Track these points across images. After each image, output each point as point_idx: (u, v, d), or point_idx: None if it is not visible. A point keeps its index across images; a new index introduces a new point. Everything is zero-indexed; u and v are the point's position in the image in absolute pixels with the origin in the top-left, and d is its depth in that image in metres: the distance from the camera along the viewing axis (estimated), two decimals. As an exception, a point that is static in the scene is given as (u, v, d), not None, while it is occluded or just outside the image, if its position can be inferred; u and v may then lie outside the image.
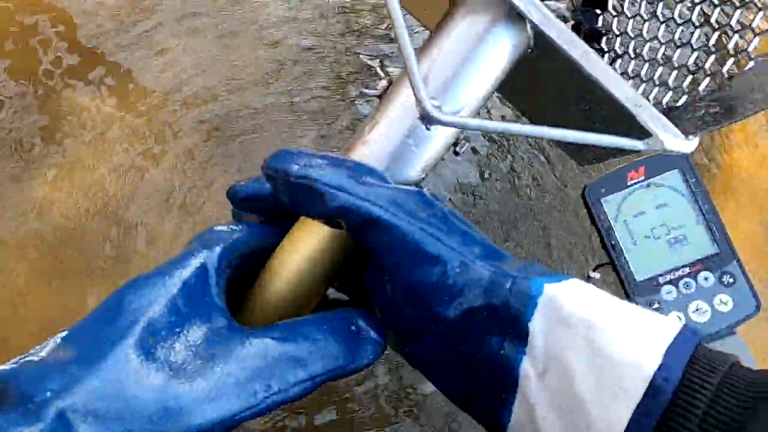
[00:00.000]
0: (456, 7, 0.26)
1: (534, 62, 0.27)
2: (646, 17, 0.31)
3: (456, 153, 0.28)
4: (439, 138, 0.26)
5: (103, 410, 0.17)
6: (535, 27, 0.24)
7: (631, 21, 0.31)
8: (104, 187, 0.50)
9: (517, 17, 0.25)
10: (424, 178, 0.27)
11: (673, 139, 0.26)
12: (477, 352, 0.22)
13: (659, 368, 0.18)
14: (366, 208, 0.22)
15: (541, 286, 0.21)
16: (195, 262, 0.22)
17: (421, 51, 0.26)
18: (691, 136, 0.26)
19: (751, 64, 0.27)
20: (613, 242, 0.43)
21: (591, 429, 0.19)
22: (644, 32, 0.31)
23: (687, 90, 0.30)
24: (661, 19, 0.31)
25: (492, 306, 0.22)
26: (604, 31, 0.34)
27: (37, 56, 0.53)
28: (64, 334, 0.20)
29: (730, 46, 0.28)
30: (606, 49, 0.34)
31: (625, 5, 0.31)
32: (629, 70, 0.35)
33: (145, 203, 0.50)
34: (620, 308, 0.21)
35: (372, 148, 0.26)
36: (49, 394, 0.17)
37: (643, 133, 0.26)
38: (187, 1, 0.55)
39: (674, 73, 0.31)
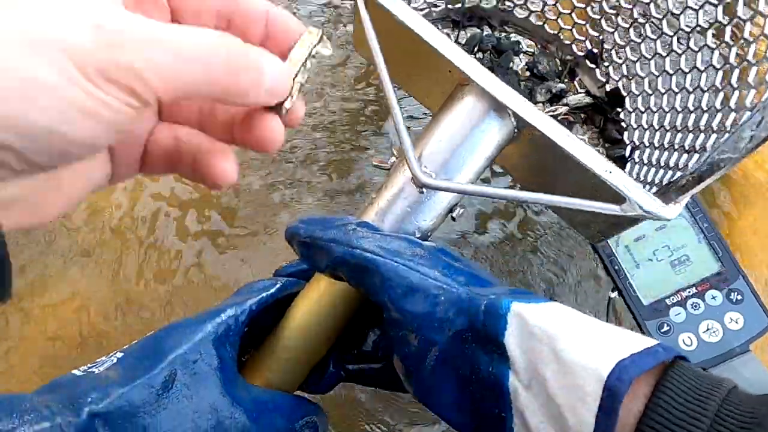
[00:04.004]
0: (452, 99, 0.30)
1: (525, 146, 0.31)
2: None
3: (453, 219, 0.31)
4: (433, 202, 0.30)
5: (119, 423, 0.23)
6: (516, 114, 0.28)
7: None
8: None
9: (501, 107, 0.29)
10: (428, 236, 0.31)
11: (651, 202, 0.26)
12: (473, 373, 0.24)
13: (613, 369, 0.20)
14: (357, 254, 0.26)
15: (508, 304, 0.23)
16: (224, 316, 0.27)
17: (424, 132, 0.31)
18: (671, 204, 0.27)
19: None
20: (616, 267, 0.43)
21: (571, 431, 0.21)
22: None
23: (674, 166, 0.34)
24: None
25: (474, 327, 0.24)
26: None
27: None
28: (120, 355, 0.26)
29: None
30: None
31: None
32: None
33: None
34: (587, 324, 0.23)
35: (376, 209, 0.30)
36: (89, 399, 0.23)
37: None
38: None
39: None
